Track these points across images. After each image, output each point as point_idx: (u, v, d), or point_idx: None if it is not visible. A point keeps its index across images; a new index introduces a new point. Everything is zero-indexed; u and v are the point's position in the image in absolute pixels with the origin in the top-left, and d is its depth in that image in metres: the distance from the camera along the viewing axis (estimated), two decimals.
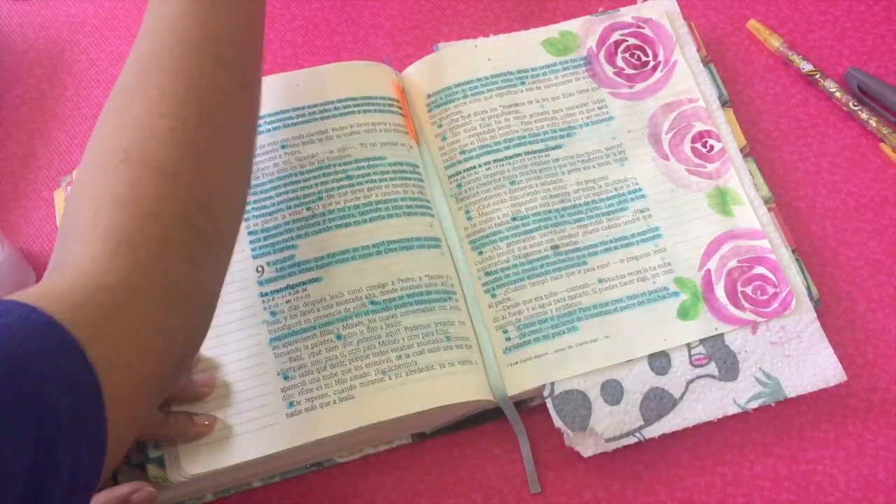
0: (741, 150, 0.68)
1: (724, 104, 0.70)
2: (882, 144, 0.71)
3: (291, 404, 0.58)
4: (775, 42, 0.74)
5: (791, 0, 0.78)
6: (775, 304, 0.63)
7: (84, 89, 0.75)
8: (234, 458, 0.57)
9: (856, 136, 0.72)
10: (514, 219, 0.64)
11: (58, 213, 0.68)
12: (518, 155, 0.66)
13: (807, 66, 0.73)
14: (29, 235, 0.70)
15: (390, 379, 0.59)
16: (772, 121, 0.73)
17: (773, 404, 0.61)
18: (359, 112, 0.66)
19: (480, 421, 0.63)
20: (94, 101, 0.74)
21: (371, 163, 0.65)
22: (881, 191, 0.71)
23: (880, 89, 0.72)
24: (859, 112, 0.72)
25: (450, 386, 0.59)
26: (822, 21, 0.77)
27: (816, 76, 0.73)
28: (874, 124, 0.71)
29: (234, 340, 0.60)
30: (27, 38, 0.76)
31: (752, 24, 0.76)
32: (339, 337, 0.60)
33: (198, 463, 0.56)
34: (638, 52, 0.70)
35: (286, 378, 0.59)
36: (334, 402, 0.58)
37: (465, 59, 0.69)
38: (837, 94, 0.72)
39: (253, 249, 0.62)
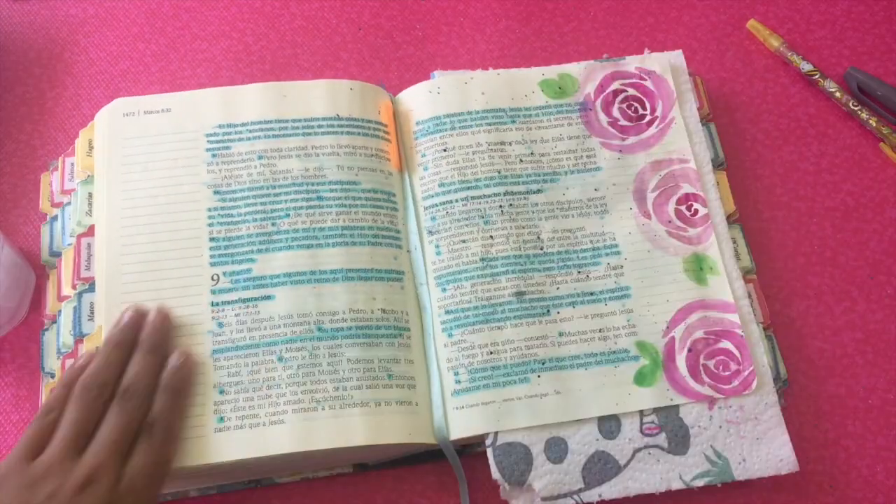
0: (728, 217, 0.66)
1: (717, 166, 0.68)
2: (882, 144, 0.71)
3: (221, 419, 0.57)
4: (775, 42, 0.74)
5: (791, 0, 0.78)
6: (736, 382, 0.60)
7: (84, 89, 0.75)
8: None
9: (856, 136, 0.72)
10: (482, 259, 0.63)
11: (42, 196, 0.69)
12: (497, 195, 0.65)
13: (807, 66, 0.73)
14: (29, 235, 0.70)
15: (323, 409, 0.57)
16: (772, 121, 0.73)
17: (720, 485, 0.59)
18: (342, 133, 0.66)
19: (424, 459, 0.62)
20: (95, 100, 0.74)
21: (345, 186, 0.64)
22: (881, 191, 0.71)
23: (880, 89, 0.71)
24: (859, 112, 0.71)
25: (381, 425, 0.58)
26: (822, 21, 0.77)
27: (816, 76, 0.73)
28: (874, 124, 0.71)
29: (177, 346, 0.59)
30: (27, 38, 0.77)
31: (752, 24, 0.76)
32: (280, 359, 0.59)
33: None
34: (636, 105, 0.69)
35: (221, 392, 0.58)
36: (264, 425, 0.57)
37: (458, 90, 0.68)
38: (837, 94, 0.72)
39: (212, 256, 0.61)
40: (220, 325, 0.60)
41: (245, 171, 0.64)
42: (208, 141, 0.64)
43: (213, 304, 0.60)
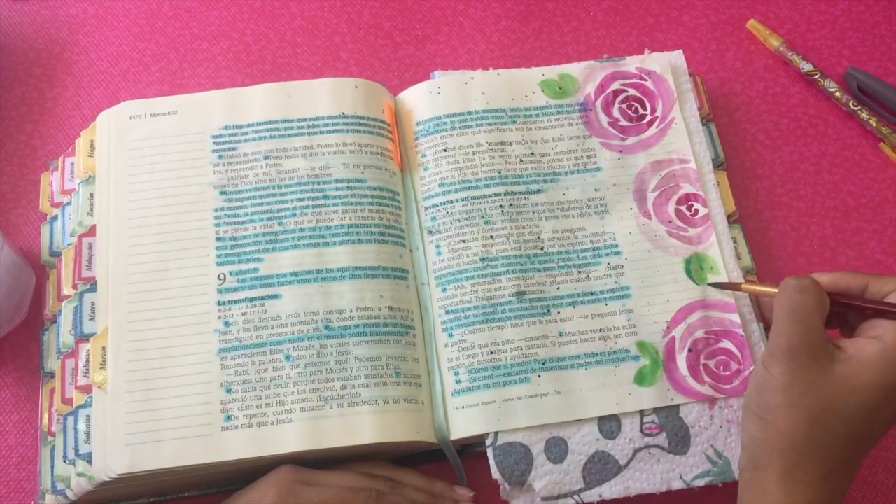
0: (728, 217, 0.66)
1: (717, 166, 0.68)
2: (882, 144, 0.72)
3: (229, 418, 0.57)
4: (775, 42, 0.75)
5: (791, 0, 0.78)
6: (736, 382, 0.61)
7: (84, 89, 0.75)
8: (162, 463, 0.56)
9: (856, 136, 0.73)
10: (483, 259, 0.63)
11: (42, 196, 0.69)
12: (497, 195, 0.65)
13: (807, 66, 0.74)
14: (29, 235, 0.70)
15: (331, 408, 0.58)
16: (772, 121, 0.74)
17: (721, 485, 0.59)
18: (348, 131, 0.66)
19: (425, 459, 0.63)
20: (95, 100, 0.74)
21: (351, 184, 0.64)
22: (881, 191, 0.71)
23: (880, 89, 0.72)
24: (859, 112, 0.72)
25: (390, 423, 0.58)
26: (822, 21, 0.78)
27: (816, 76, 0.74)
28: (874, 124, 0.72)
29: (183, 344, 0.59)
30: (27, 38, 0.77)
31: (752, 24, 0.77)
32: (287, 358, 0.59)
33: (126, 462, 0.56)
34: (636, 105, 0.69)
35: (228, 391, 0.58)
36: (272, 423, 0.57)
37: (458, 90, 0.68)
38: (837, 94, 0.73)
39: (218, 256, 0.62)
40: (227, 324, 0.60)
41: (251, 171, 0.64)
42: (214, 142, 0.65)
43: (219, 304, 0.60)
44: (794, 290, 0.53)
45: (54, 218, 0.67)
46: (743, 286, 0.62)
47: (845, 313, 0.56)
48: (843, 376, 0.51)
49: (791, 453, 0.51)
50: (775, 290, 0.55)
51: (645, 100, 0.69)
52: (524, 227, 0.65)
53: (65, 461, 0.59)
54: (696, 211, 0.66)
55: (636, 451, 0.60)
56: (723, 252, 0.65)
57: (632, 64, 0.70)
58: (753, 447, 0.53)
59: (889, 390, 0.51)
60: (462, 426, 0.60)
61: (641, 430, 0.60)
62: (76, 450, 0.58)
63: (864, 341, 0.52)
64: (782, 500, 0.51)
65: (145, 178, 0.63)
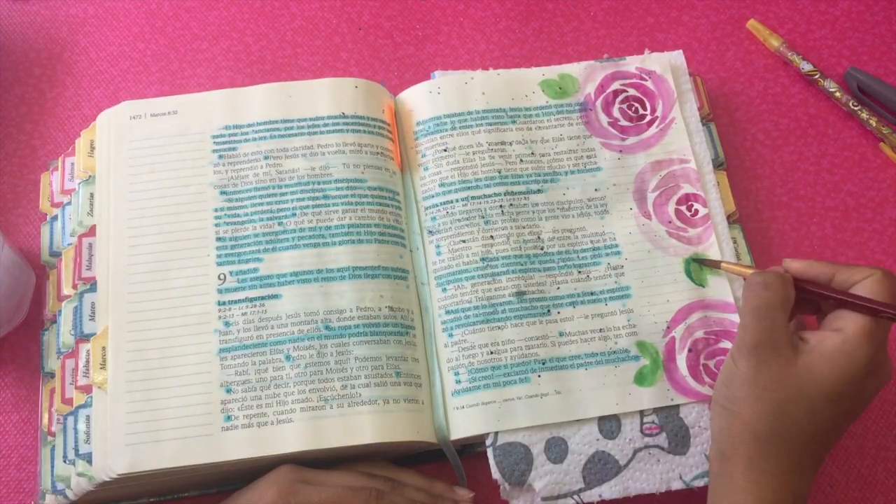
0: (728, 217, 0.66)
1: (717, 166, 0.68)
2: (882, 144, 0.72)
3: (229, 418, 0.57)
4: (775, 42, 0.75)
5: (791, 0, 0.78)
6: None
7: (84, 89, 0.75)
8: (162, 463, 0.56)
9: (856, 136, 0.73)
10: (483, 259, 0.63)
11: (42, 196, 0.69)
12: (497, 195, 0.65)
13: (807, 66, 0.74)
14: (29, 235, 0.70)
15: (332, 408, 0.58)
16: (772, 121, 0.74)
17: None
18: (348, 131, 0.66)
19: (425, 459, 0.63)
20: (94, 100, 0.74)
21: (351, 184, 0.64)
22: (881, 191, 0.72)
23: (880, 89, 0.72)
24: (859, 112, 0.72)
25: (390, 423, 0.58)
26: (822, 21, 0.78)
27: (816, 76, 0.74)
28: (874, 124, 0.72)
29: (183, 344, 0.60)
30: (27, 38, 0.77)
31: (752, 24, 0.77)
32: (288, 358, 0.59)
33: (126, 462, 0.56)
34: (636, 105, 0.69)
35: (228, 391, 0.58)
36: (272, 423, 0.57)
37: (458, 90, 0.68)
38: (837, 94, 0.73)
39: (218, 256, 0.62)
40: (227, 324, 0.60)
41: (251, 171, 0.64)
42: (214, 142, 0.65)
43: (219, 304, 0.61)
44: (760, 287, 0.55)
45: (54, 218, 0.67)
46: (723, 265, 0.62)
47: (818, 301, 0.57)
48: (805, 368, 0.52)
49: (756, 444, 0.52)
50: (752, 272, 0.56)
51: (645, 100, 0.69)
52: (524, 227, 0.65)
53: (65, 461, 0.59)
54: (696, 211, 0.66)
55: (636, 451, 0.60)
56: (723, 252, 0.65)
57: (632, 64, 0.70)
58: (721, 438, 0.54)
59: (849, 381, 0.52)
60: (462, 426, 0.60)
61: (641, 431, 0.60)
62: (76, 450, 0.58)
63: (825, 334, 0.53)
64: (748, 490, 0.52)
65: (145, 178, 0.63)
